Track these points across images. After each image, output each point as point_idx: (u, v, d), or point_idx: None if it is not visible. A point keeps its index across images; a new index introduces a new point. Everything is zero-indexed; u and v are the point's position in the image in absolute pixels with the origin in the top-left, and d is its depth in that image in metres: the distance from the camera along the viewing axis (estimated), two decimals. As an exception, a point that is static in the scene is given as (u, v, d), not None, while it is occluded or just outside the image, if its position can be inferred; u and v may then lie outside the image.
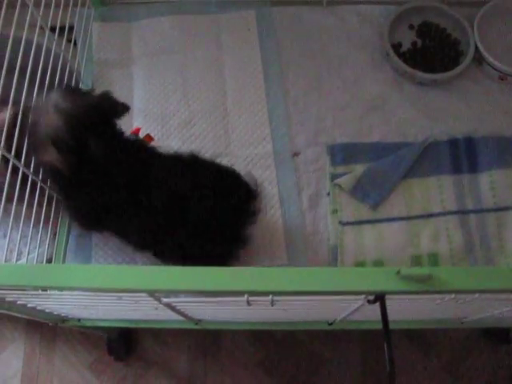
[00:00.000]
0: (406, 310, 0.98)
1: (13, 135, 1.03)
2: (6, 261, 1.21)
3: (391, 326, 1.10)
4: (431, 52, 1.38)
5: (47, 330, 1.58)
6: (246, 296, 0.80)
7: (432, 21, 1.41)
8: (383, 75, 1.36)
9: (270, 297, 0.80)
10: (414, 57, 1.36)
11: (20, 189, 1.07)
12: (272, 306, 0.84)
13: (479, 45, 1.33)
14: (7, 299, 0.95)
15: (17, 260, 1.18)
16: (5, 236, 1.30)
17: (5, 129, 1.05)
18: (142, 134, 1.27)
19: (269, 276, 0.72)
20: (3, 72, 0.97)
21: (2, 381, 1.53)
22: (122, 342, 1.52)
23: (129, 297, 0.87)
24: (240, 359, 1.51)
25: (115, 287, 0.73)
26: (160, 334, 1.55)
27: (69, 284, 0.72)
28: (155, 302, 0.87)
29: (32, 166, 1.09)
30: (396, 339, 1.52)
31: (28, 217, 1.13)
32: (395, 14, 1.38)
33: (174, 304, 0.91)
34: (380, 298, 0.79)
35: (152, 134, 1.25)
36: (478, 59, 1.35)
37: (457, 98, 1.34)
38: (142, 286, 0.73)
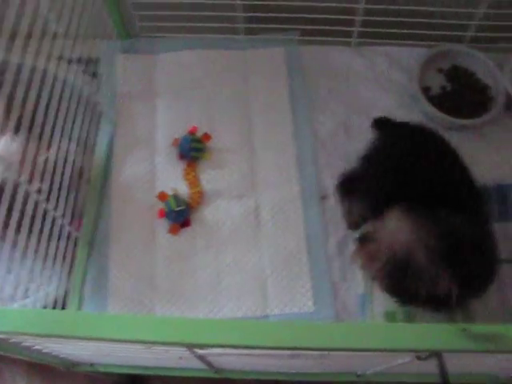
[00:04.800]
0: (454, 365, 0.93)
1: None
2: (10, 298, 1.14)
3: (429, 380, 1.05)
4: (460, 97, 1.35)
5: (49, 372, 1.50)
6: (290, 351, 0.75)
7: (461, 65, 1.39)
8: (412, 119, 1.32)
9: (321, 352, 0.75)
10: (442, 101, 1.33)
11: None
12: (320, 359, 0.79)
13: (510, 91, 1.31)
14: (23, 344, 0.88)
15: (23, 298, 1.11)
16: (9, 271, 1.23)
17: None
18: (198, 133, 1.29)
19: (319, 331, 0.67)
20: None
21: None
22: (130, 388, 1.45)
23: (160, 348, 0.81)
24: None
25: (154, 340, 0.68)
26: (169, 380, 1.47)
27: (103, 335, 0.66)
28: (187, 354, 0.81)
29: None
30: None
31: (39, 251, 1.06)
32: (425, 58, 1.36)
33: (207, 356, 0.85)
34: (435, 354, 0.74)
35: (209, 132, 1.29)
36: (509, 105, 1.33)
37: (486, 144, 1.31)
38: (182, 340, 0.67)
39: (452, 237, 0.97)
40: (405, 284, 0.99)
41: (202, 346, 0.76)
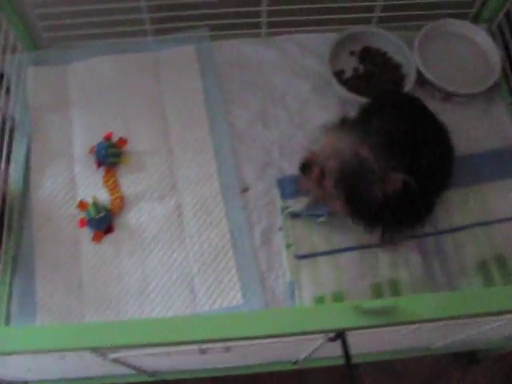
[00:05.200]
0: (370, 343, 0.95)
1: None
2: None
3: (358, 360, 1.07)
4: (374, 77, 1.37)
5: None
6: (197, 345, 0.75)
7: (372, 46, 1.41)
8: (328, 103, 1.34)
9: (224, 344, 0.75)
10: (357, 83, 1.35)
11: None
12: (228, 352, 0.80)
13: (421, 67, 1.33)
14: None
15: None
16: None
17: None
18: (114, 139, 1.28)
19: (221, 322, 0.68)
20: None
21: None
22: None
23: (72, 355, 0.81)
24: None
25: (52, 347, 0.68)
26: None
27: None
28: (100, 359, 0.81)
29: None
30: (368, 368, 1.49)
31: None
32: (335, 42, 1.37)
33: (123, 359, 0.84)
34: (340, 335, 0.75)
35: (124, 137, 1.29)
36: (421, 81, 1.35)
37: (403, 120, 1.33)
38: (82, 344, 0.67)
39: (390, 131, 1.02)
40: (361, 189, 1.01)
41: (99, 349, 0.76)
